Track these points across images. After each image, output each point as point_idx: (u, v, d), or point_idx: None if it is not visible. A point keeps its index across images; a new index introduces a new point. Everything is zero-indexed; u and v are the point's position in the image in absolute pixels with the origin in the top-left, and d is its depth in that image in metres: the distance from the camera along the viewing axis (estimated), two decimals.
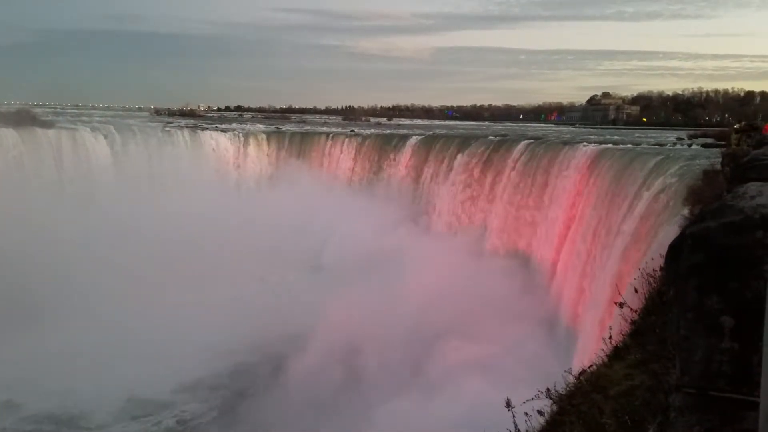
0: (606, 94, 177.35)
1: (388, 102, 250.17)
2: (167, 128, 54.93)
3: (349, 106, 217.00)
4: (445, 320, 27.05)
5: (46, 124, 47.58)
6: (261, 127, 67.31)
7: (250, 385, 25.94)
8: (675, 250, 2.40)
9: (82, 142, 45.97)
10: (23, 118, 47.77)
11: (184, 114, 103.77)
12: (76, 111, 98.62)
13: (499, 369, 21.71)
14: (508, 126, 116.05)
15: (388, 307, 28.74)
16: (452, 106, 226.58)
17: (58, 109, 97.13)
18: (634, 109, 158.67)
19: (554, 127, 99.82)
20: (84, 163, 45.03)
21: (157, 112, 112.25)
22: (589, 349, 15.00)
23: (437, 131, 61.75)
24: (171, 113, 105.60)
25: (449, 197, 41.95)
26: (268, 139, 57.92)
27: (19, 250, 31.08)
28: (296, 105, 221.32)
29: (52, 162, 43.06)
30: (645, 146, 32.95)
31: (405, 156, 50.23)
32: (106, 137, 47.66)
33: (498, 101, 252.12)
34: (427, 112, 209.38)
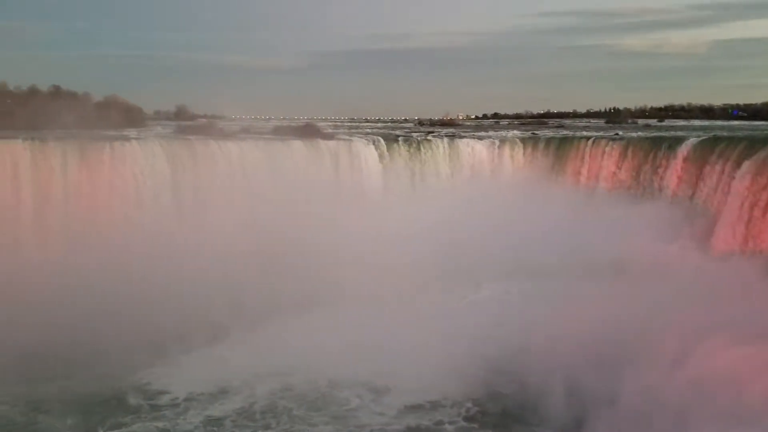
0: None
1: (658, 102, 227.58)
2: (428, 137, 58.13)
3: (613, 109, 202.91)
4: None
5: (327, 136, 54.60)
6: (517, 133, 66.89)
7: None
8: None
9: (356, 151, 51.78)
10: (309, 131, 55.79)
11: (444, 123, 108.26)
12: (351, 124, 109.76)
13: None
14: None
15: (646, 332, 25.69)
16: (738, 105, 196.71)
17: (338, 123, 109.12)
18: None
19: None
20: (357, 170, 50.82)
21: (420, 122, 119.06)
22: None
23: (719, 133, 54.22)
24: (432, 123, 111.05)
25: (733, 211, 36.17)
26: (523, 145, 57.34)
27: (297, 246, 33.69)
28: (554, 110, 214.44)
29: (332, 170, 49.20)
30: None
31: (678, 161, 45.10)
32: (375, 146, 52.95)
33: None
34: (707, 112, 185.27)
